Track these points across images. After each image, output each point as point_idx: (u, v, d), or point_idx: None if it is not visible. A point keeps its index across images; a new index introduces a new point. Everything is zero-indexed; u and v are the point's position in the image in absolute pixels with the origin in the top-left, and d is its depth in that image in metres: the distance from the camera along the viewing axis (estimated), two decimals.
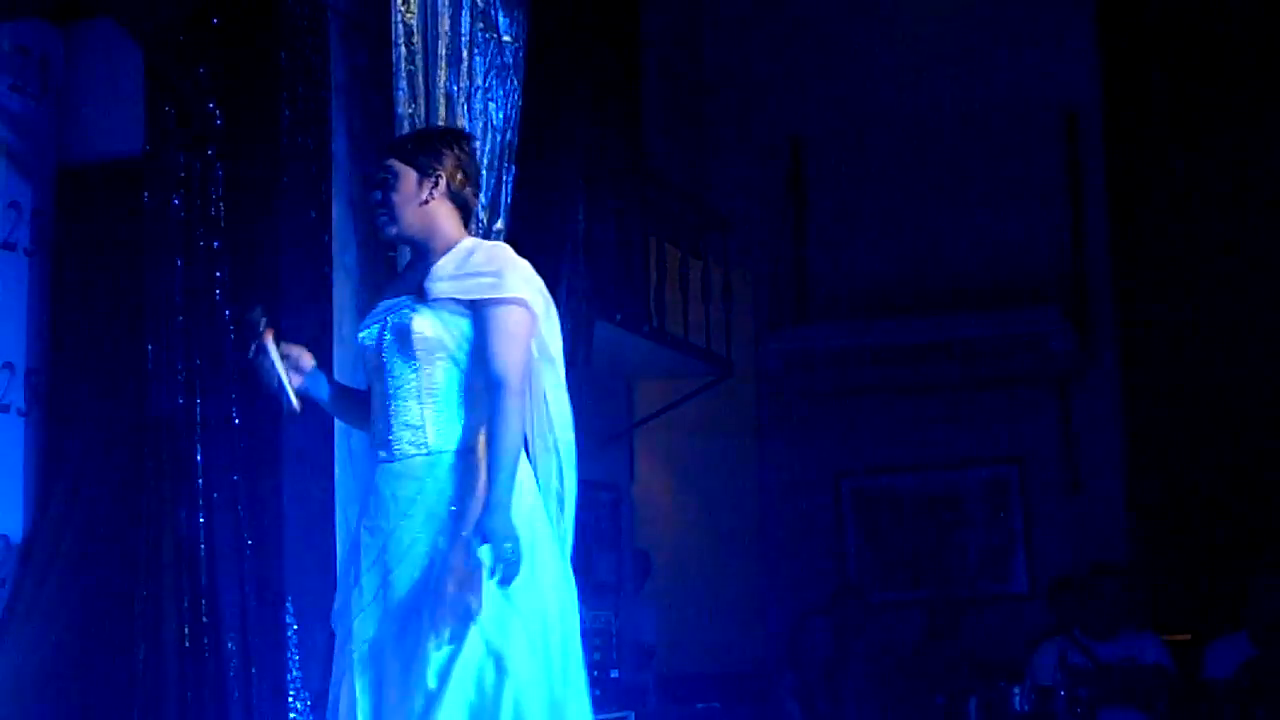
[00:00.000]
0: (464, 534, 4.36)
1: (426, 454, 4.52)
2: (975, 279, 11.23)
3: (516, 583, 4.31)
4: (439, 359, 4.53)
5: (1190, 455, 11.16)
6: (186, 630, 5.98)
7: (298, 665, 6.43)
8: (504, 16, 6.90)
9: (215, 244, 6.21)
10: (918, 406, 11.36)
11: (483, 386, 4.48)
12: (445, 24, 6.67)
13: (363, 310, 7.22)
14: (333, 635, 6.66)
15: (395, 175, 4.66)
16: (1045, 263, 11.30)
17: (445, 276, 4.55)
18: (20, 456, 6.27)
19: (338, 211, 7.05)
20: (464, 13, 6.72)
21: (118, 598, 6.09)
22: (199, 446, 6.08)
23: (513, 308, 4.49)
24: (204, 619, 6.00)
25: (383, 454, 4.58)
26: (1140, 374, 11.39)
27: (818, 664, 9.52)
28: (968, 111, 11.51)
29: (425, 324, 4.52)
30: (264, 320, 4.64)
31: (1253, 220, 11.09)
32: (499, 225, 7.14)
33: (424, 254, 4.64)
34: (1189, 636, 9.67)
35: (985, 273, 11.25)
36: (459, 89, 6.89)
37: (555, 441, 4.64)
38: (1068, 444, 11.24)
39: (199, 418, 6.09)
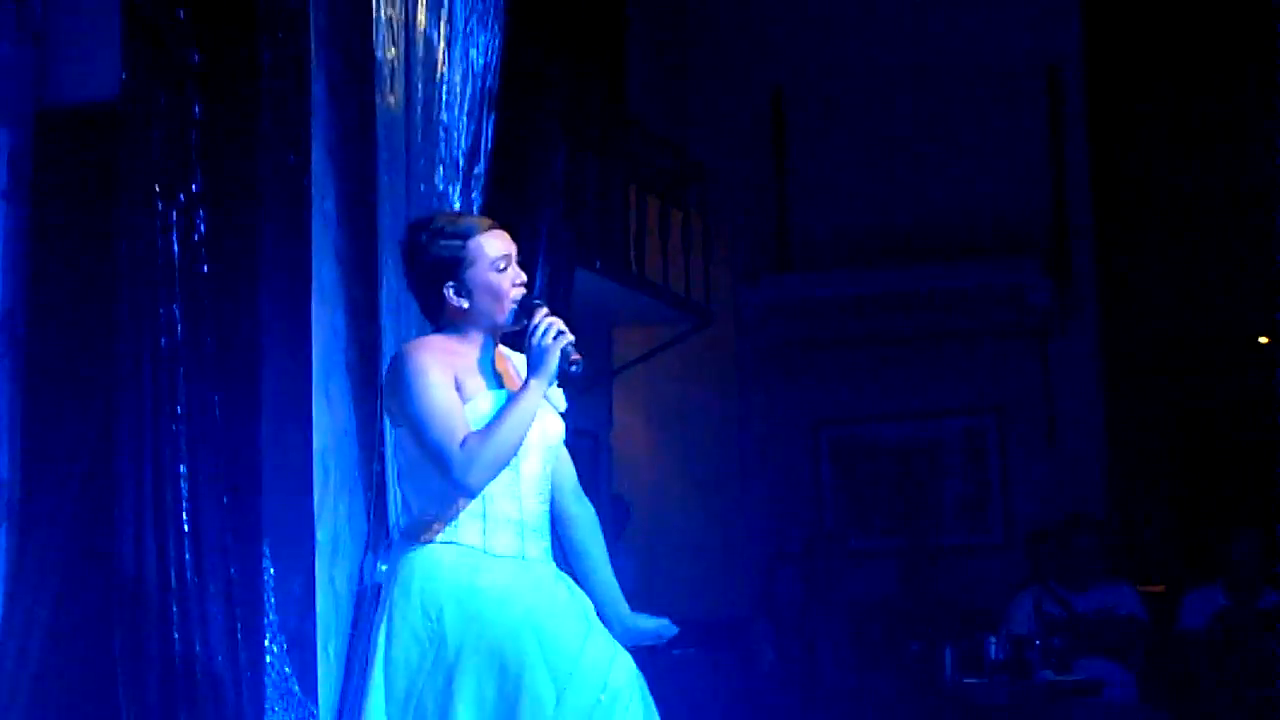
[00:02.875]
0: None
1: None
2: (956, 230, 11.24)
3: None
4: None
5: (1168, 408, 11.20)
6: (172, 574, 5.98)
7: (274, 609, 6.45)
8: None
9: (194, 187, 6.19)
10: (896, 357, 11.39)
11: None
12: None
13: (341, 257, 7.23)
14: (310, 579, 6.72)
15: None
16: (1026, 215, 11.32)
17: None
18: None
19: (317, 156, 7.02)
20: None
21: (98, 557, 6.09)
22: (178, 391, 6.08)
23: None
24: (187, 559, 6.00)
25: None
26: (1119, 327, 11.42)
27: (791, 610, 9.57)
28: (950, 62, 11.50)
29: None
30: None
31: (1234, 174, 11.10)
32: (478, 171, 7.14)
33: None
34: (1163, 588, 9.73)
35: (966, 224, 11.26)
36: (439, 34, 6.88)
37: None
38: (1046, 395, 11.27)
39: (179, 360, 6.07)
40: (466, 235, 4.43)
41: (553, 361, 4.32)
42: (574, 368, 4.35)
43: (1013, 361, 11.35)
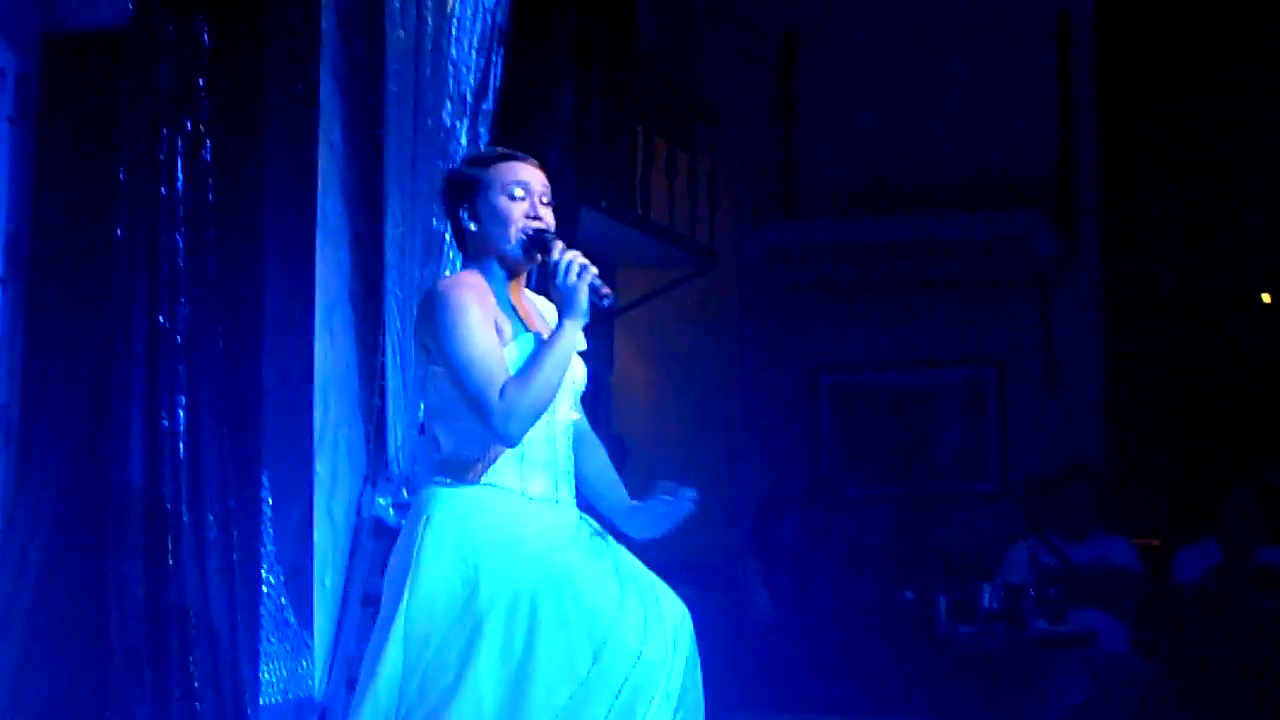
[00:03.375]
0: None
1: None
2: (962, 179, 11.21)
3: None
4: None
5: (1169, 362, 11.20)
6: (168, 504, 5.99)
7: (272, 540, 6.47)
8: None
9: (200, 116, 6.17)
10: (899, 304, 11.38)
11: None
12: None
13: (347, 191, 7.23)
14: (308, 512, 6.73)
15: None
16: (1032, 165, 11.28)
17: None
18: (1, 325, 6.26)
19: (325, 88, 7.02)
20: None
21: (97, 484, 6.10)
22: (178, 320, 6.07)
23: None
24: (183, 490, 6.01)
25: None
26: (1123, 279, 11.40)
27: (787, 556, 9.59)
28: (961, 10, 11.45)
29: None
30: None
31: (1241, 127, 11.07)
32: (486, 107, 7.13)
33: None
34: (1158, 542, 9.75)
35: (972, 173, 11.22)
36: None
37: None
38: (1048, 346, 11.26)
39: (180, 290, 6.07)
40: (489, 161, 4.41)
41: (583, 299, 4.25)
42: (604, 301, 4.29)
43: (1015, 312, 11.33)
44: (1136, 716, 8.14)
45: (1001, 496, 10.95)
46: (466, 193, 4.37)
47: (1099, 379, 11.29)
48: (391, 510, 7.06)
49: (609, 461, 4.61)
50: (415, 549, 4.22)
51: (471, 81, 7.15)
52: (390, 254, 7.11)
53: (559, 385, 4.25)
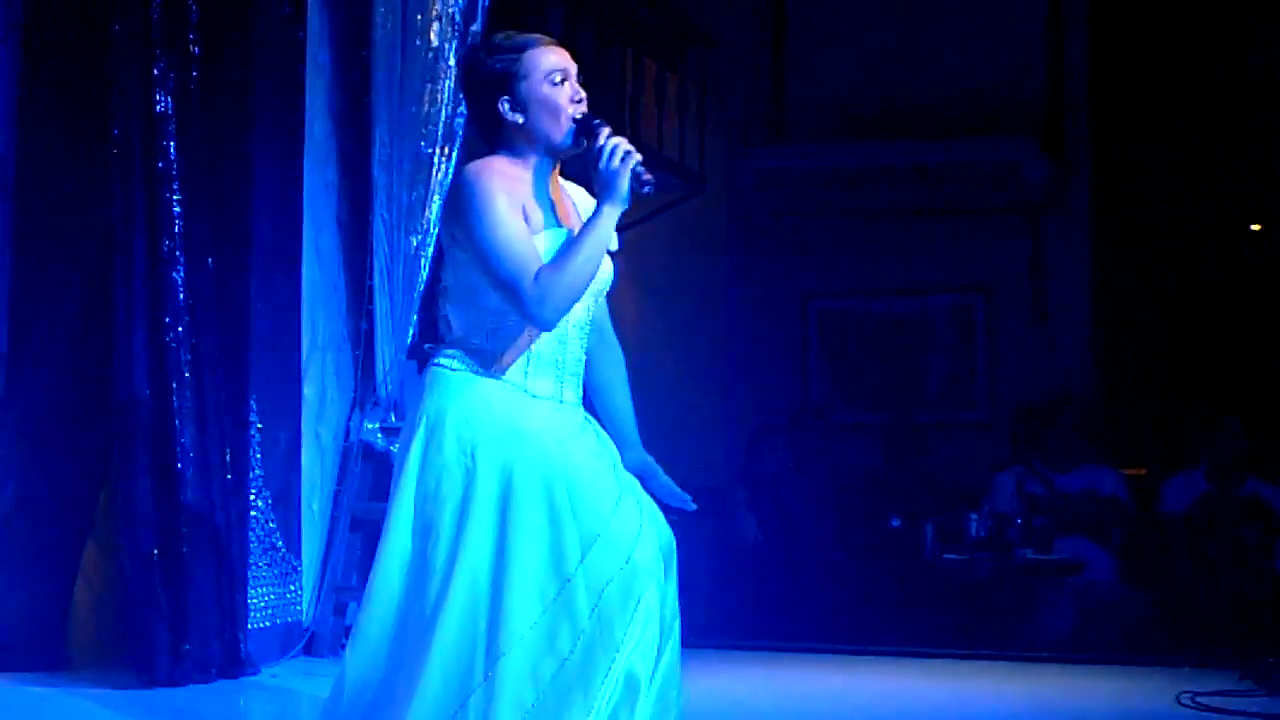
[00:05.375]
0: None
1: None
2: (953, 106, 11.16)
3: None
4: None
5: (1158, 290, 11.18)
6: (176, 422, 6.00)
7: (259, 464, 6.46)
8: None
9: (189, 36, 6.12)
10: (888, 231, 11.34)
11: None
12: None
13: (334, 111, 7.18)
14: (296, 435, 6.71)
15: None
16: (1023, 91, 11.23)
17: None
18: None
19: (312, 8, 6.97)
20: None
21: (91, 384, 6.09)
22: (177, 240, 6.04)
23: None
24: (176, 410, 5.99)
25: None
26: (1112, 207, 11.37)
27: (774, 481, 9.59)
28: None
29: None
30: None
31: (1235, 55, 11.01)
32: (475, 28, 7.07)
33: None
34: (1144, 471, 9.76)
35: (963, 100, 11.17)
36: None
37: None
38: (1036, 274, 11.24)
39: (174, 213, 6.04)
40: (522, 49, 4.24)
41: (624, 184, 4.13)
42: (646, 188, 4.16)
43: (1004, 240, 11.30)
44: (1122, 645, 8.16)
45: (989, 424, 10.94)
46: (505, 83, 4.21)
47: (1087, 308, 11.27)
48: (380, 435, 7.04)
49: (624, 374, 4.54)
50: (416, 431, 4.16)
51: (460, 3, 7.09)
52: (378, 175, 7.08)
53: (595, 271, 4.15)
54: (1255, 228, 11.32)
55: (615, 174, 4.13)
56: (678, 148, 10.20)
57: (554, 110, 4.20)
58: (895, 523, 8.80)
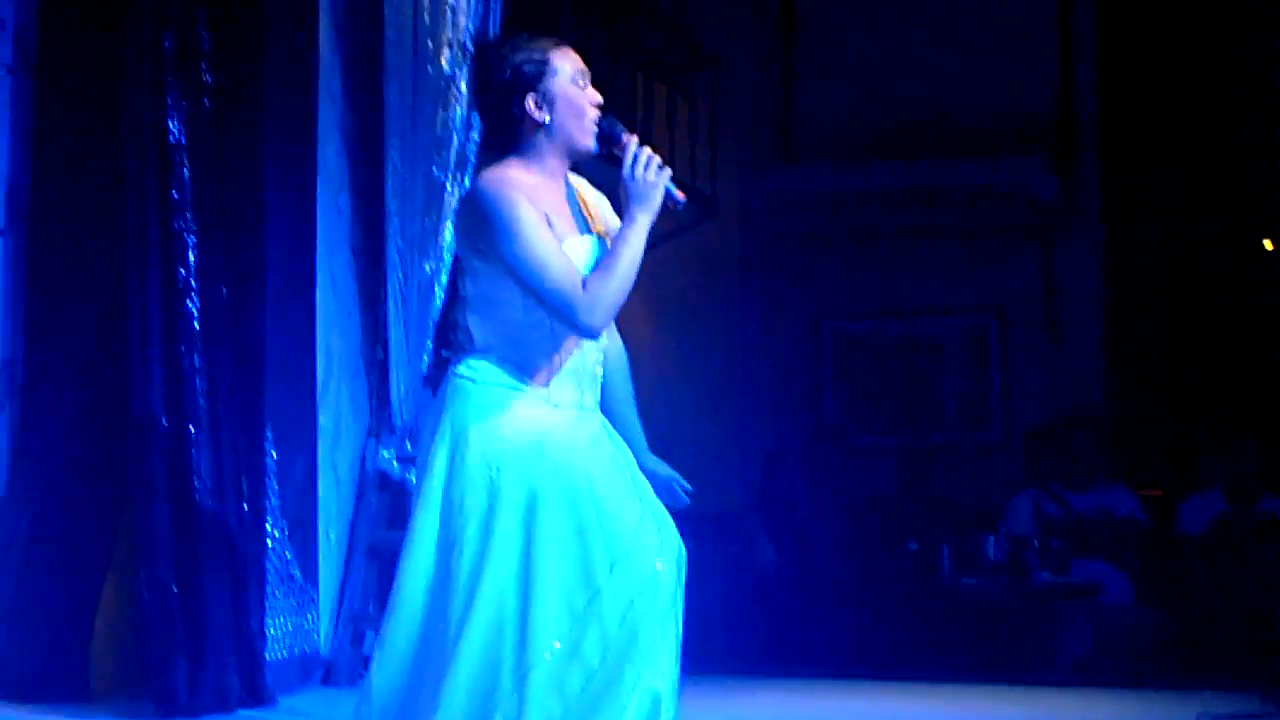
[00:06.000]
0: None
1: None
2: (963, 126, 11.14)
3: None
4: None
5: (1171, 310, 11.15)
6: (191, 449, 5.99)
7: (276, 493, 6.44)
8: None
9: (200, 65, 6.12)
10: (900, 252, 11.32)
11: None
12: None
13: (347, 137, 7.18)
14: (311, 464, 6.69)
15: None
16: (1033, 111, 11.22)
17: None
18: (1, 274, 6.21)
19: (324, 36, 7.02)
20: None
21: (107, 415, 6.08)
22: (190, 268, 6.03)
23: None
24: (192, 439, 5.98)
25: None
26: (1124, 226, 11.34)
27: (789, 506, 9.57)
28: None
29: None
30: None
31: (1244, 72, 10.99)
32: None
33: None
34: (1161, 492, 9.72)
35: (973, 119, 11.15)
36: None
37: None
38: (1049, 294, 11.21)
39: (188, 241, 6.03)
40: (545, 47, 4.23)
41: (659, 196, 4.14)
42: (677, 205, 4.19)
43: (1016, 260, 11.28)
44: (1141, 667, 8.12)
45: (1004, 446, 10.92)
46: (532, 80, 4.18)
47: (1100, 327, 11.24)
48: (395, 463, 7.02)
49: (628, 372, 4.52)
50: (441, 443, 4.13)
51: (470, 28, 7.11)
52: (391, 202, 7.08)
53: (635, 278, 4.13)
54: (1267, 244, 11.29)
55: (651, 185, 4.15)
56: (689, 171, 10.19)
57: (579, 111, 4.20)
58: (912, 546, 8.76)
